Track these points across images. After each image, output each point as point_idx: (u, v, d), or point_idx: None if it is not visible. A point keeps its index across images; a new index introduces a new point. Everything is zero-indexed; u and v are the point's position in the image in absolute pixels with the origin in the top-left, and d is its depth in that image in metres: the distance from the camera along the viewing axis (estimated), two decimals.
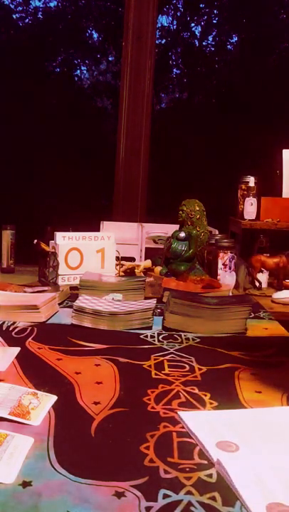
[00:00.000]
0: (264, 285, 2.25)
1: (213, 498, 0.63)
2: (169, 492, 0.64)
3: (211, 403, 0.92)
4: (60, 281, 1.86)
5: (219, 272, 2.01)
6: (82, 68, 7.35)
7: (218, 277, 1.99)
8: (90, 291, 1.64)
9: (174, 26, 7.18)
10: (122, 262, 2.13)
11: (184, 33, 7.23)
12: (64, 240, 1.91)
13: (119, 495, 0.63)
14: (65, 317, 1.47)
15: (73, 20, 7.05)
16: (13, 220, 2.41)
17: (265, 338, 1.36)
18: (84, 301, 1.47)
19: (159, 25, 6.80)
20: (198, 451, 0.75)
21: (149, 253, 2.43)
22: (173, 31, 7.18)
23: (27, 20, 7.02)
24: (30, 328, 1.35)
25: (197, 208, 2.03)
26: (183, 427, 0.82)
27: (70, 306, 1.52)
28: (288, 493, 0.62)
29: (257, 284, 2.23)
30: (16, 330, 1.33)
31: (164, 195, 5.50)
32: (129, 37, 3.29)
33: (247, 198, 2.42)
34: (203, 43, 7.23)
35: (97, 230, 2.53)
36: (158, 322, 1.43)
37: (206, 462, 0.72)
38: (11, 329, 1.33)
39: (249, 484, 0.64)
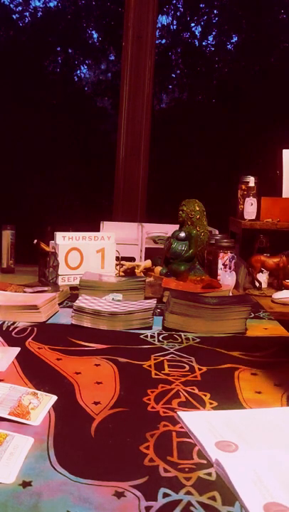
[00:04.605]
0: (264, 285, 2.25)
1: (213, 498, 0.63)
2: (168, 491, 0.64)
3: (210, 403, 0.92)
4: (60, 281, 1.86)
5: (219, 272, 2.02)
6: (82, 68, 7.36)
7: (218, 277, 1.99)
8: (90, 291, 1.64)
9: (174, 26, 7.18)
10: (122, 262, 2.13)
11: (184, 33, 7.23)
12: (64, 240, 1.91)
13: (119, 495, 0.63)
14: (65, 317, 1.47)
15: (73, 20, 7.05)
16: (13, 220, 2.41)
17: (265, 338, 1.37)
18: (84, 301, 1.47)
19: (159, 25, 6.80)
20: (198, 451, 0.75)
21: (149, 253, 2.43)
22: (173, 31, 7.18)
23: (27, 20, 7.01)
24: (30, 328, 1.35)
25: (197, 208, 2.02)
26: (183, 427, 0.82)
27: (70, 306, 1.52)
28: (287, 493, 0.62)
29: (257, 284, 2.23)
30: (16, 330, 1.33)
31: (164, 195, 5.50)
32: (129, 36, 3.29)
33: (247, 198, 2.42)
34: (203, 43, 7.22)
35: (97, 230, 2.53)
36: (158, 322, 1.43)
37: (205, 462, 0.72)
38: (11, 329, 1.33)
39: (247, 484, 0.64)
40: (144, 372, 1.06)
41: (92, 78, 7.40)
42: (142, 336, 1.33)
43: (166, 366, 1.10)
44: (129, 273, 2.11)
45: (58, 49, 7.15)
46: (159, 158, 5.53)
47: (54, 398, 0.91)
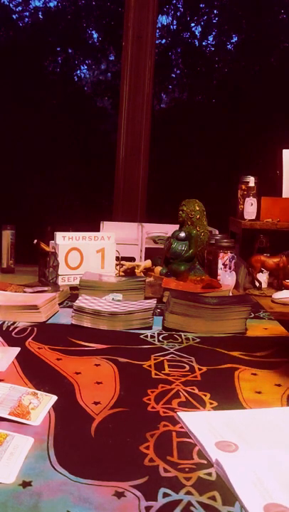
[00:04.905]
0: (264, 285, 2.25)
1: (213, 498, 0.63)
2: (168, 491, 0.64)
3: (211, 403, 0.92)
4: (60, 281, 1.86)
5: (219, 271, 2.01)
6: (82, 68, 7.36)
7: (218, 277, 1.99)
8: (90, 291, 1.64)
9: (174, 26, 7.18)
10: (122, 262, 2.13)
11: (184, 33, 7.23)
12: (64, 240, 1.91)
13: (119, 495, 0.63)
14: (65, 317, 1.47)
15: (73, 20, 7.04)
16: (13, 220, 2.41)
17: (265, 338, 1.37)
18: (84, 301, 1.47)
19: (159, 25, 6.80)
20: (198, 451, 0.75)
21: (149, 253, 2.43)
22: (173, 31, 7.18)
23: (27, 20, 7.02)
24: (30, 328, 1.35)
25: (197, 208, 2.02)
26: (182, 427, 0.82)
27: (70, 306, 1.52)
28: (286, 494, 0.62)
29: (257, 284, 2.23)
30: (16, 330, 1.33)
31: (164, 195, 5.50)
32: (129, 36, 3.29)
33: (247, 198, 2.42)
34: (203, 43, 7.22)
35: (97, 230, 2.53)
36: (158, 322, 1.43)
37: (205, 462, 0.72)
38: (11, 329, 1.33)
39: (247, 484, 0.64)
40: (144, 372, 1.06)
41: (92, 78, 7.40)
42: (142, 336, 1.33)
43: (166, 366, 1.10)
44: (129, 273, 2.11)
45: (58, 49, 7.15)
46: (159, 158, 5.53)
47: (54, 398, 0.91)
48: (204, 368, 1.10)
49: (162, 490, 0.65)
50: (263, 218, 2.42)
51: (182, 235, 1.99)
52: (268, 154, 2.97)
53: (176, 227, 2.07)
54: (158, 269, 2.05)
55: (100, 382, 1.00)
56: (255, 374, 1.08)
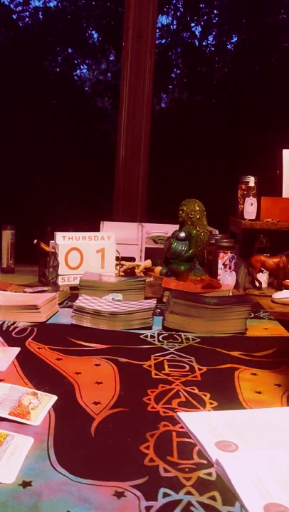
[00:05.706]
0: (264, 285, 2.25)
1: (213, 498, 0.63)
2: (168, 491, 0.64)
3: (211, 403, 0.92)
4: (60, 281, 1.86)
5: (219, 271, 2.01)
6: (82, 68, 7.36)
7: (218, 277, 1.99)
8: (90, 291, 1.64)
9: (174, 26, 7.18)
10: (122, 262, 2.13)
11: (184, 33, 7.23)
12: (64, 240, 1.91)
13: (119, 495, 0.63)
14: (65, 317, 1.47)
15: (73, 20, 7.05)
16: (13, 220, 2.41)
17: (265, 338, 1.37)
18: (84, 301, 1.47)
19: (159, 25, 6.81)
20: (198, 451, 0.75)
21: (149, 253, 2.43)
22: (173, 31, 7.18)
23: (27, 20, 7.02)
24: (30, 328, 1.35)
25: (197, 208, 2.02)
26: (182, 427, 0.82)
27: (70, 306, 1.52)
28: (286, 494, 0.62)
29: (257, 284, 2.23)
30: (16, 330, 1.33)
31: (164, 195, 5.50)
32: (129, 36, 3.29)
33: (247, 198, 2.42)
34: (203, 43, 7.23)
35: (97, 230, 2.53)
36: (158, 322, 1.43)
37: (205, 462, 0.72)
38: (11, 329, 1.33)
39: (247, 484, 0.64)
40: (144, 372, 1.06)
41: (92, 78, 7.40)
42: (142, 336, 1.33)
43: (166, 366, 1.10)
44: (129, 273, 2.11)
45: (58, 49, 7.15)
46: (159, 158, 5.53)
47: (54, 398, 0.91)
48: (204, 368, 1.10)
49: (162, 490, 0.65)
50: (263, 218, 2.42)
51: (182, 235, 1.99)
52: (268, 154, 2.97)
53: (176, 227, 2.07)
54: (158, 269, 2.05)
55: (100, 382, 1.00)
56: (255, 374, 1.08)
